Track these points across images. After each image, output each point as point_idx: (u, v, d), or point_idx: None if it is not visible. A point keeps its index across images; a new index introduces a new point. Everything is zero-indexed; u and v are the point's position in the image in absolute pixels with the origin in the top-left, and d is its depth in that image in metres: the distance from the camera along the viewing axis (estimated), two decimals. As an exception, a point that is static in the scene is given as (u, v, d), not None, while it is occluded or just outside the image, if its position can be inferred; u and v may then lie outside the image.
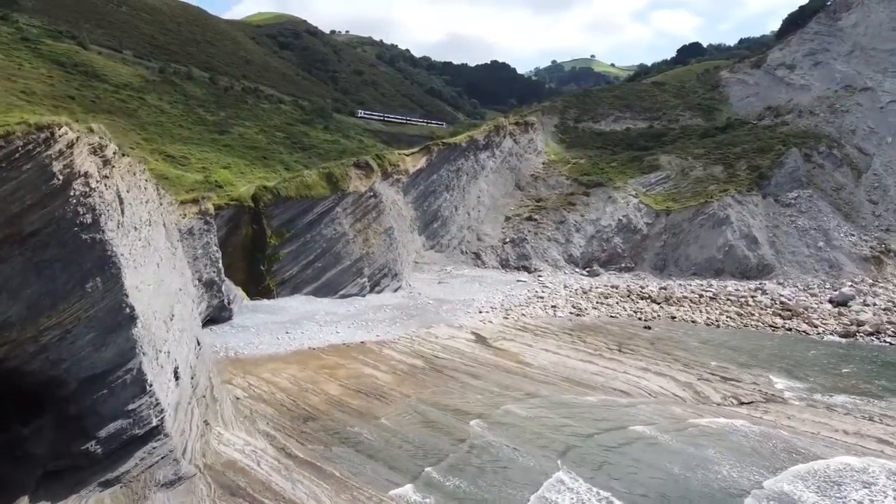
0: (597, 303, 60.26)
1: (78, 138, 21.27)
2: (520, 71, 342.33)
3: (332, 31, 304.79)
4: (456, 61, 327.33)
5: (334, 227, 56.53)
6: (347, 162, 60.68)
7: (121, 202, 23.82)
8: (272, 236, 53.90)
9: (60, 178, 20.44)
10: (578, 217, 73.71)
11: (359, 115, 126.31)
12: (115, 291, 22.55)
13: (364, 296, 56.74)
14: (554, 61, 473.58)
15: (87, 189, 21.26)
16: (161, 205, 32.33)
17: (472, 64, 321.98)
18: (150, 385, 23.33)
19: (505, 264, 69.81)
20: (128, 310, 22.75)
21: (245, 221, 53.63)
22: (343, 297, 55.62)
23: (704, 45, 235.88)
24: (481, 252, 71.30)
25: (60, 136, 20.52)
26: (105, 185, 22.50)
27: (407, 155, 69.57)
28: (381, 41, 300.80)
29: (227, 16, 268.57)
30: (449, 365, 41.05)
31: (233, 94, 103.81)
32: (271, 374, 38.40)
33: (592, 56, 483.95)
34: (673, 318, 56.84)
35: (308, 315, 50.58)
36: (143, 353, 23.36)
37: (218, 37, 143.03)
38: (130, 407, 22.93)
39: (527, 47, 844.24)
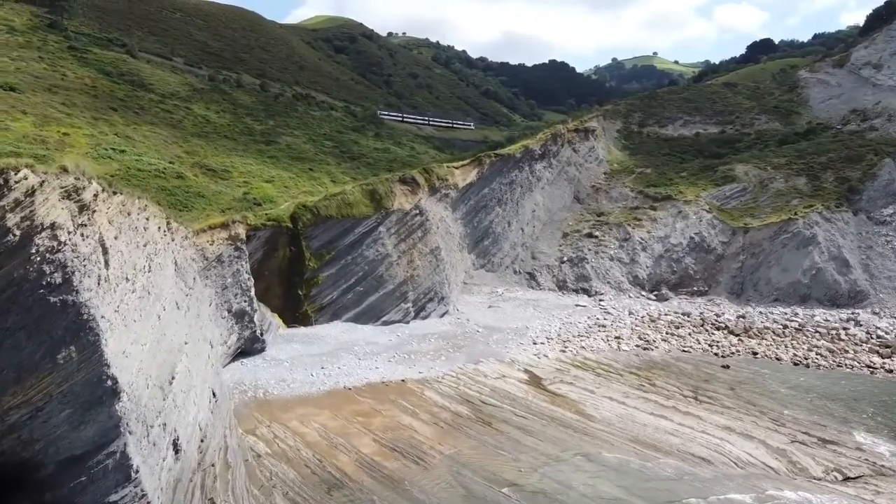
0: (666, 333, 54.35)
1: (42, 183, 17.62)
2: (578, 70, 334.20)
3: (389, 34, 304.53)
4: (512, 61, 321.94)
5: (377, 248, 52.62)
6: (392, 177, 56.63)
7: (104, 252, 20.20)
8: (311, 259, 50.38)
9: (17, 233, 16.88)
10: (645, 234, 67.37)
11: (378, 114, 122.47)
12: (93, 361, 19.04)
13: (408, 322, 52.60)
14: (614, 59, 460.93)
15: (55, 243, 17.67)
16: (172, 241, 28.82)
17: (529, 63, 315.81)
18: (136, 471, 19.60)
19: (562, 286, 64.22)
20: (109, 382, 19.23)
21: (283, 243, 50.25)
22: (385, 323, 51.62)
23: (776, 41, 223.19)
24: (536, 272, 65.94)
25: (17, 183, 16.89)
26: (81, 236, 18.88)
27: (456, 168, 64.96)
28: (438, 42, 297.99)
29: (286, 21, 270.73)
30: (497, 414, 36.33)
31: (283, 102, 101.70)
32: (300, 422, 34.57)
33: (655, 53, 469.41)
34: (754, 353, 50.46)
35: (347, 346, 46.76)
36: (130, 432, 19.67)
37: (272, 42, 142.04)
38: (112, 498, 19.28)
39: (585, 45, 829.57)
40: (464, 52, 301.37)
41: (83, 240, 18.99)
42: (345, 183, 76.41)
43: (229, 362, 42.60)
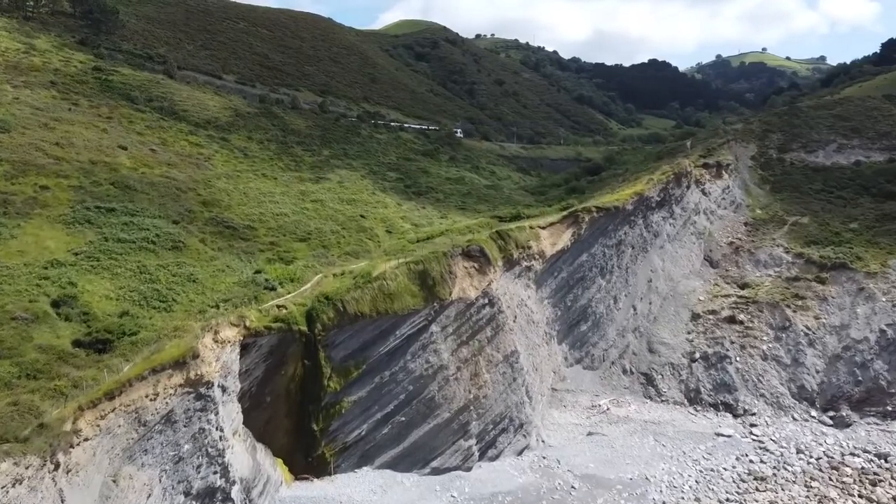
0: (859, 496, 35.70)
1: None
2: (679, 69, 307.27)
3: (477, 36, 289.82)
4: (604, 60, 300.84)
5: (427, 358, 37.02)
6: (452, 251, 40.43)
7: None
8: (332, 376, 35.37)
9: None
10: (812, 321, 47.55)
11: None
12: None
13: (469, 469, 36.71)
14: (718, 56, 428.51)
15: None
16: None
17: (625, 63, 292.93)
18: None
19: (694, 398, 45.63)
20: None
21: (293, 354, 35.63)
22: (436, 471, 35.98)
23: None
24: (655, 373, 47.63)
25: None
26: None
27: (543, 228, 47.82)
28: (527, 44, 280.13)
29: (373, 27, 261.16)
30: None
31: (344, 125, 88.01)
32: None
33: (764, 49, 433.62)
34: None
35: (374, 523, 31.43)
36: None
37: (343, 52, 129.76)
38: None
39: (684, 42, 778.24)
40: (555, 52, 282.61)
41: None
42: (404, 233, 61.38)
43: (191, 564, 28.29)
